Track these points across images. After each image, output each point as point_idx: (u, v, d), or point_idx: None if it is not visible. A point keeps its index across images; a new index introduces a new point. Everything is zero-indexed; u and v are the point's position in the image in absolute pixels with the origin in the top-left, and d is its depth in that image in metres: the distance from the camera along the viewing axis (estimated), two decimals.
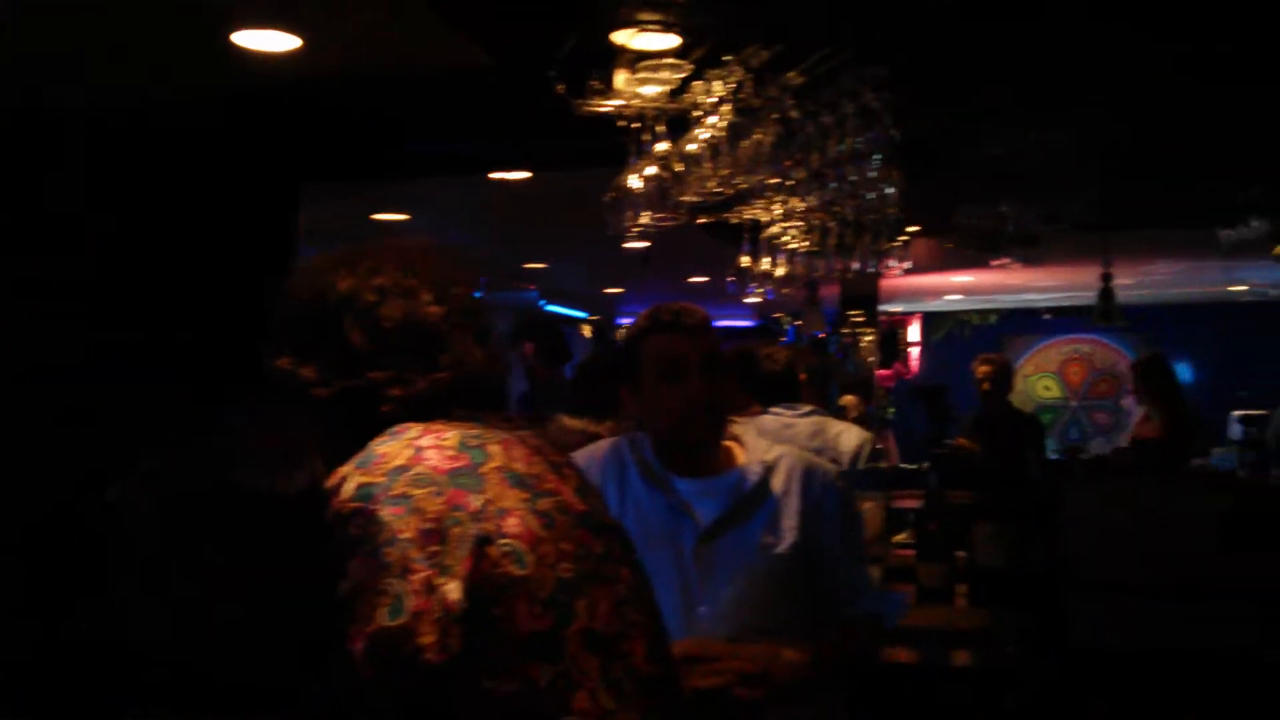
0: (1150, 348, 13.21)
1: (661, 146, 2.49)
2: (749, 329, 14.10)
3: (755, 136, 2.46)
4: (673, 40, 2.38)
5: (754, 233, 4.23)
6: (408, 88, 3.36)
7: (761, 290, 4.47)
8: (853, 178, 2.51)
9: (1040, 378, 14.05)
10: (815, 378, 4.55)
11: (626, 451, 2.42)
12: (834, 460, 4.29)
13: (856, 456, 4.27)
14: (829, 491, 2.38)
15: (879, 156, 2.57)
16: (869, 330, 9.58)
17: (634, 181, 2.53)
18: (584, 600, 1.44)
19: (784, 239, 4.23)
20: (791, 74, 2.39)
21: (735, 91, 2.37)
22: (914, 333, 12.97)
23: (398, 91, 3.38)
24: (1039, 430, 7.71)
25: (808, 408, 4.39)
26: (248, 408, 1.81)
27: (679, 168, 2.44)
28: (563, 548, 1.46)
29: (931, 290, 11.46)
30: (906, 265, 4.02)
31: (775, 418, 4.39)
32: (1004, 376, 7.10)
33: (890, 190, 2.71)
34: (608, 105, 2.49)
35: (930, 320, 13.98)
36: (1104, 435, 13.54)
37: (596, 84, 2.47)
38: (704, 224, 4.16)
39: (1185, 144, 3.44)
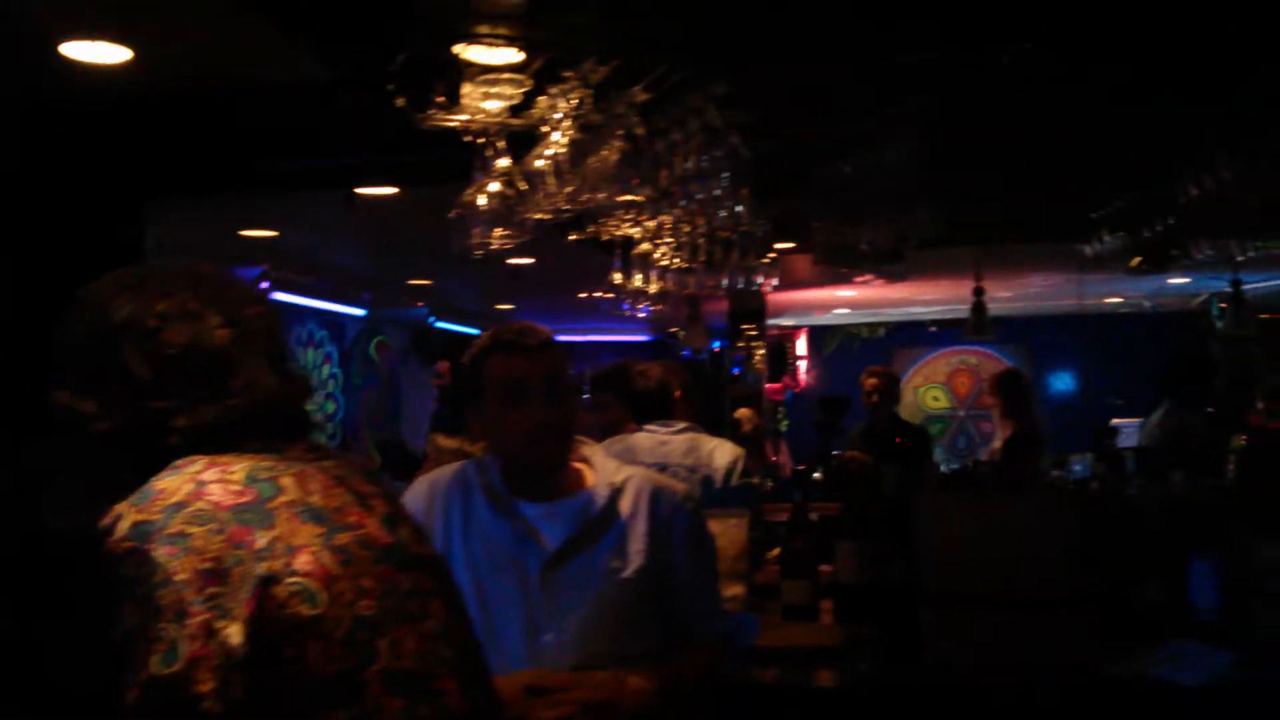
0: (1033, 358, 13.63)
1: (503, 163, 2.43)
2: (644, 344, 14.13)
3: (602, 154, 2.42)
4: (511, 54, 2.33)
5: (625, 249, 4.21)
6: (256, 102, 3.25)
7: (638, 306, 4.46)
8: (699, 195, 2.48)
9: (929, 389, 14.33)
10: (690, 394, 4.53)
11: (473, 475, 2.36)
12: (707, 477, 4.28)
13: (729, 472, 4.26)
14: (677, 513, 2.35)
15: (727, 174, 2.55)
16: (761, 344, 9.68)
17: (479, 199, 2.47)
18: (386, 639, 1.38)
19: (656, 255, 4.21)
20: (636, 90, 2.35)
21: (578, 108, 2.33)
22: (801, 346, 13.13)
23: (246, 105, 3.27)
24: (926, 441, 7.84)
25: (682, 424, 4.37)
26: (41, 444, 1.71)
27: (522, 185, 2.39)
28: (363, 584, 1.39)
29: (820, 304, 11.61)
30: (774, 282, 4.02)
31: (649, 435, 4.37)
32: (891, 389, 7.21)
33: (740, 208, 2.70)
34: (451, 120, 2.43)
35: (822, 334, 14.19)
36: (991, 445, 13.82)
37: (440, 98, 2.40)
38: (585, 240, 4.13)
39: (1036, 160, 3.51)
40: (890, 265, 3.90)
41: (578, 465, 2.39)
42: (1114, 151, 3.37)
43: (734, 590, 3.29)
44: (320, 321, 9.89)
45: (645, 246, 4.16)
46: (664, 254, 4.15)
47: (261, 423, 1.48)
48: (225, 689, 1.25)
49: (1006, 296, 9.75)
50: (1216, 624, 2.90)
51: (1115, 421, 10.80)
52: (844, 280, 8.05)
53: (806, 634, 2.99)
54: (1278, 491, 2.87)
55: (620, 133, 2.38)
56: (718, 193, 2.47)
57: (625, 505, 2.32)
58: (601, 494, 2.30)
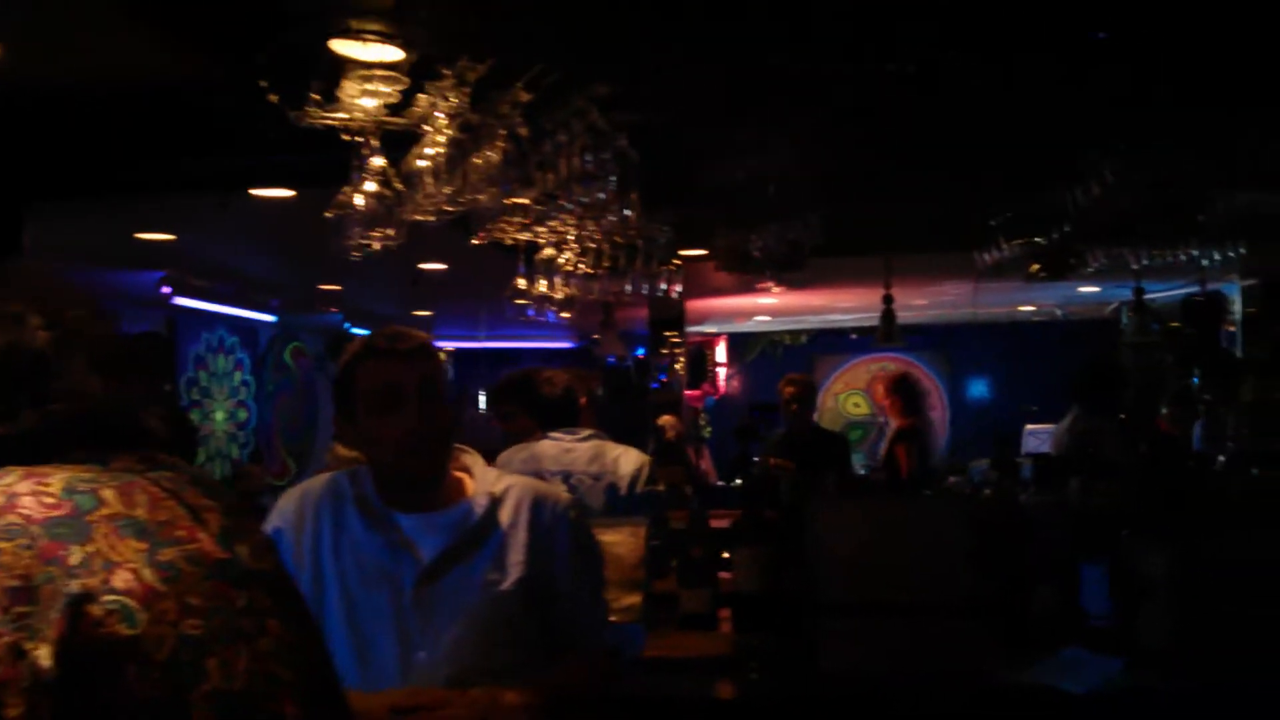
0: (949, 365, 13.84)
1: (379, 162, 2.35)
2: (567, 351, 14.06)
3: (485, 154, 2.35)
4: (387, 50, 2.25)
5: (529, 254, 4.15)
6: (139, 100, 3.11)
7: (544, 311, 4.40)
8: (584, 199, 2.42)
9: (850, 395, 14.48)
10: (596, 401, 4.48)
11: (346, 486, 2.27)
12: (612, 484, 4.23)
13: (634, 479, 4.21)
14: (560, 522, 2.29)
15: (614, 177, 2.50)
16: (681, 351, 9.68)
17: (355, 198, 2.38)
18: (216, 659, 1.30)
19: (560, 261, 4.16)
20: (518, 89, 2.29)
21: (457, 107, 2.26)
22: (721, 353, 13.17)
23: (127, 104, 3.13)
24: (844, 448, 7.84)
25: (587, 431, 4.31)
26: None
27: (399, 185, 2.31)
28: (189, 602, 1.31)
29: (740, 311, 11.63)
30: (679, 288, 3.99)
31: (554, 443, 4.30)
32: (809, 396, 7.20)
33: (628, 212, 2.65)
34: (330, 117, 2.34)
35: (744, 341, 14.25)
36: None
37: (315, 95, 2.31)
38: (488, 245, 4.06)
39: (929, 168, 3.51)
40: (790, 272, 3.87)
41: (458, 475, 2.32)
42: (1006, 157, 3.38)
43: (630, 600, 3.24)
44: (230, 327, 9.67)
45: (549, 252, 4.10)
46: (569, 259, 4.10)
47: (86, 431, 1.39)
48: (33, 715, 1.16)
49: (922, 304, 9.86)
50: (1108, 631, 2.91)
51: (1030, 427, 11.02)
52: (749, 287, 8.08)
53: (700, 643, 2.95)
54: (1166, 497, 2.89)
55: (503, 133, 2.32)
56: (602, 196, 2.41)
57: (505, 515, 2.25)
58: (480, 504, 2.23)
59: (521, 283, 4.13)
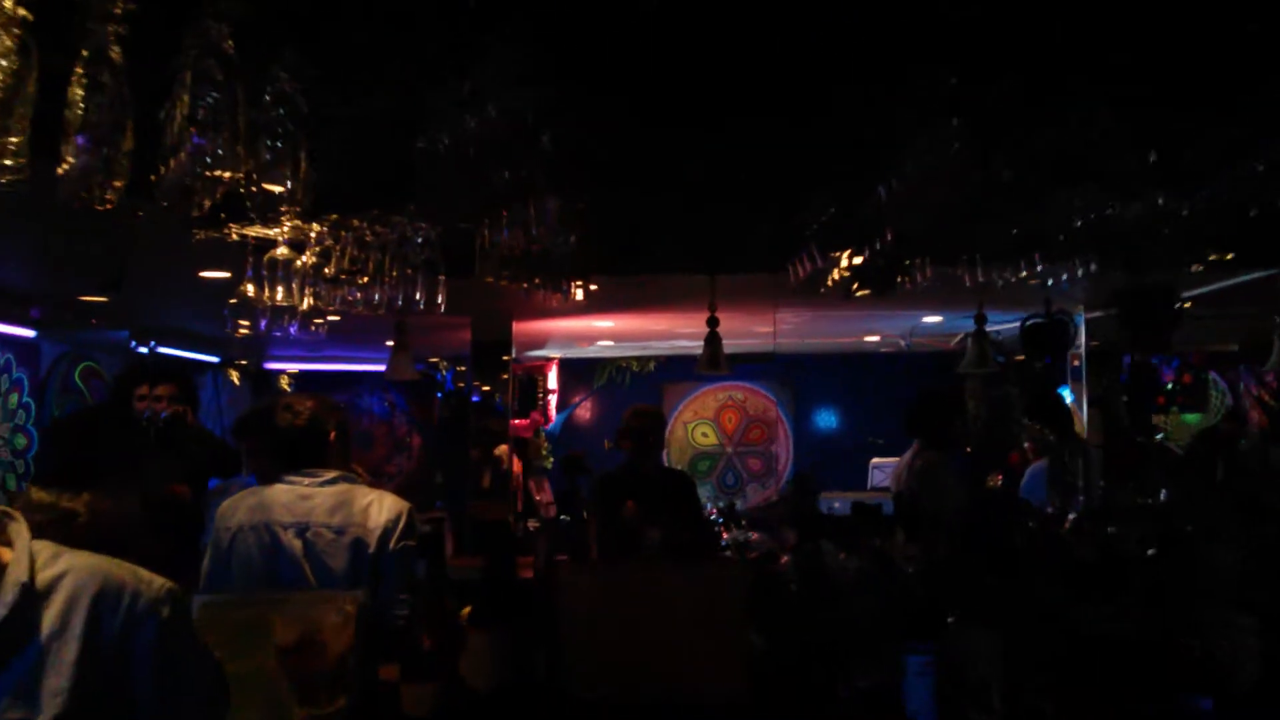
0: (795, 395, 13.51)
1: None
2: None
3: (72, 94, 1.65)
4: None
5: (257, 255, 3.41)
6: None
7: (285, 323, 3.68)
8: (207, 159, 1.70)
9: (698, 424, 14.05)
10: (344, 435, 3.70)
11: None
12: (359, 539, 3.47)
13: (388, 533, 3.45)
14: (140, 624, 1.58)
15: (282, 136, 1.82)
16: (506, 376, 9.05)
17: None
18: None
19: (297, 265, 3.43)
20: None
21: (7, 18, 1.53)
22: (553, 380, 12.55)
23: None
24: (690, 487, 7.17)
25: (332, 474, 3.54)
26: None
27: None
28: None
29: (582, 335, 10.97)
30: (441, 302, 3.32)
31: (289, 487, 3.53)
32: (658, 429, 6.57)
33: (290, 183, 1.96)
34: None
35: (592, 367, 13.69)
36: (758, 481, 13.65)
37: None
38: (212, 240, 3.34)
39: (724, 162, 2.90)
40: (570, 282, 3.23)
41: None
42: (811, 151, 2.77)
43: (339, 702, 2.51)
44: (3, 344, 8.54)
45: (283, 251, 3.37)
46: (304, 263, 3.38)
47: None
48: None
49: (765, 331, 9.37)
50: None
51: (876, 461, 10.67)
52: (611, 308, 7.42)
53: None
54: (995, 564, 2.32)
55: (84, 54, 1.61)
56: (221, 152, 1.71)
57: (50, 617, 1.53)
58: (7, 600, 1.51)
59: (249, 288, 3.37)
